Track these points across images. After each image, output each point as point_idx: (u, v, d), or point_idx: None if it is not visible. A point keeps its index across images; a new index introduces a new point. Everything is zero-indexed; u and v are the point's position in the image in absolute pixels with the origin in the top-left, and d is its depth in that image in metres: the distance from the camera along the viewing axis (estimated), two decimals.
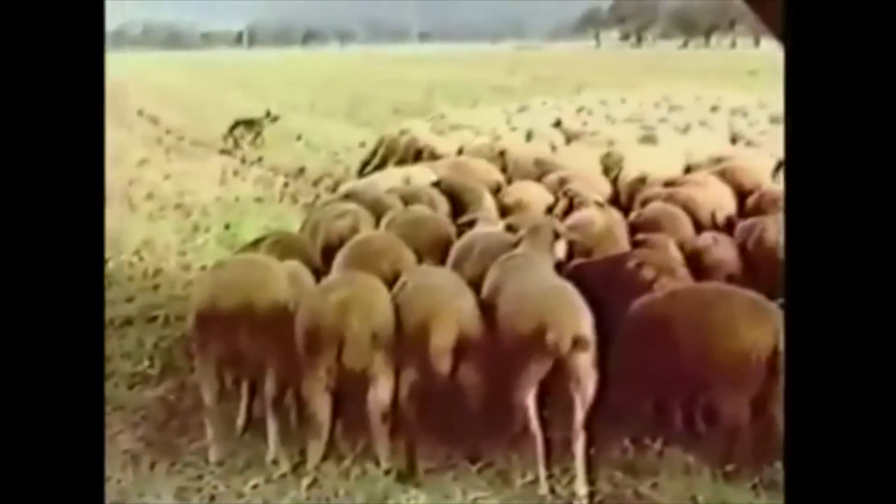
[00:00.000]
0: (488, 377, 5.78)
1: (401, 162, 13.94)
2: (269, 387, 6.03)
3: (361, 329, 5.62)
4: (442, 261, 7.42)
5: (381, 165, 14.85)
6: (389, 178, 11.14)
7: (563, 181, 10.13)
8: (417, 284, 6.09)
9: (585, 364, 5.54)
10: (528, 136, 15.02)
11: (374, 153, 15.95)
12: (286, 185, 16.07)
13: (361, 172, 15.39)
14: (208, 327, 5.95)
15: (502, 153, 12.52)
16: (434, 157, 13.38)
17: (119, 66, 26.07)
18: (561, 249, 7.04)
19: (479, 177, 10.86)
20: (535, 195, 9.88)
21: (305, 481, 5.80)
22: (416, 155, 14.00)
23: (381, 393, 5.75)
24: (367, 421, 5.85)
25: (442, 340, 5.65)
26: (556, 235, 7.00)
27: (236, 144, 19.78)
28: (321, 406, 5.79)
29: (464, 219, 8.42)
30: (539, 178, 10.79)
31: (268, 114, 20.20)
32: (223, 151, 19.61)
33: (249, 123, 20.43)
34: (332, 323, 5.62)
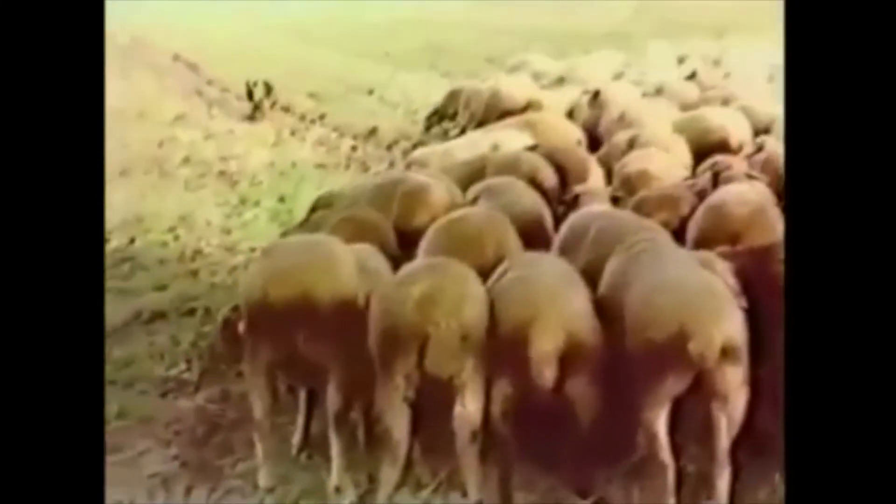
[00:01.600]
0: (606, 392, 5.70)
1: (482, 123, 13.90)
2: (333, 397, 6.00)
3: (449, 328, 5.58)
4: (540, 247, 7.28)
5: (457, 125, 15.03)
6: (473, 144, 11.09)
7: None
8: (519, 276, 6.00)
9: (735, 379, 5.41)
10: (658, 91, 14.81)
11: (442, 109, 16.02)
12: (354, 148, 16.10)
13: (427, 132, 15.58)
14: (259, 324, 5.98)
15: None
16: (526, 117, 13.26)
17: (152, 4, 26.34)
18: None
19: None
20: (663, 165, 9.73)
21: None
22: (502, 115, 13.90)
23: (470, 407, 5.71)
24: (453, 441, 5.79)
25: (545, 346, 5.56)
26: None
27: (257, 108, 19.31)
28: (398, 421, 5.75)
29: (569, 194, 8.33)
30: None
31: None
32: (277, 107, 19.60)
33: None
34: (413, 320, 5.59)
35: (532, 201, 8.08)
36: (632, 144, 10.80)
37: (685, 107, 13.18)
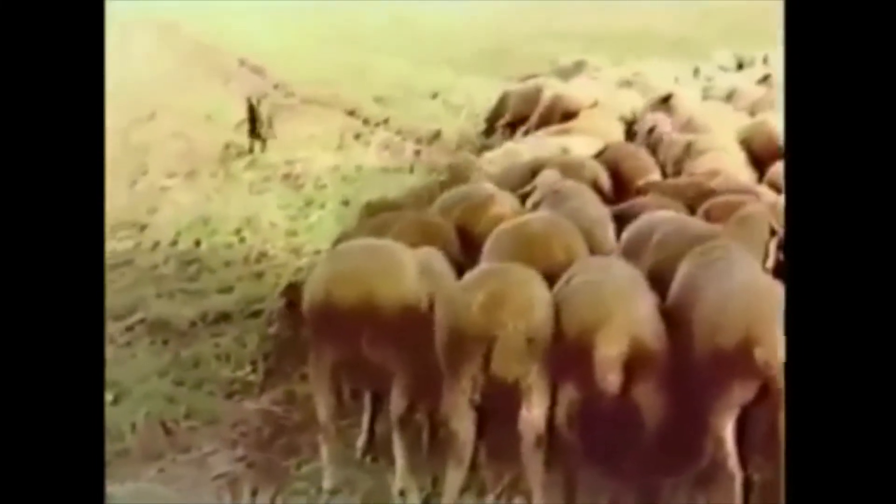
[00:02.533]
0: (673, 398, 5.61)
1: (542, 125, 13.84)
2: (396, 400, 5.99)
3: (515, 330, 5.52)
4: (603, 252, 7.17)
5: (513, 126, 15.04)
6: (542, 146, 11.04)
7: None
8: (585, 280, 5.93)
9: None
10: (729, 96, 14.68)
11: (495, 112, 16.06)
12: (418, 152, 16.11)
13: (488, 134, 15.58)
14: (323, 327, 5.97)
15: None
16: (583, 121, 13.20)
17: (217, 7, 26.49)
18: (773, 249, 6.72)
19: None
20: (733, 169, 9.62)
21: None
22: (564, 117, 13.83)
23: (535, 411, 5.65)
24: (518, 446, 5.74)
25: (610, 351, 5.48)
26: (773, 232, 6.67)
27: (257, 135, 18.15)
28: (464, 424, 5.70)
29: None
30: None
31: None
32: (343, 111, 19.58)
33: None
34: (479, 322, 5.54)
35: (596, 206, 7.99)
36: (695, 149, 10.71)
37: (752, 112, 13.04)
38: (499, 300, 5.59)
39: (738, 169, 9.72)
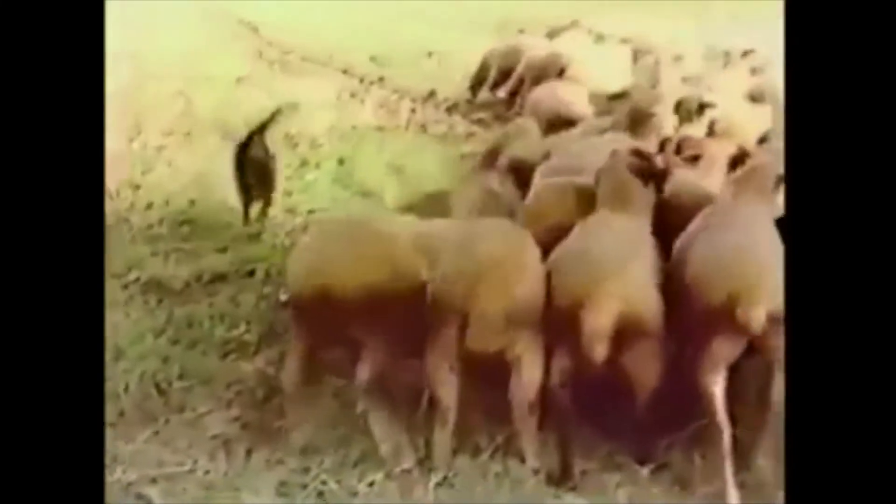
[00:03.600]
0: (666, 362, 5.64)
1: (538, 81, 13.69)
2: (362, 369, 5.97)
3: (493, 303, 5.52)
4: None
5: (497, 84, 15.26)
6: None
7: None
8: (577, 247, 5.94)
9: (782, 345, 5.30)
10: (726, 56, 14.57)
11: (480, 73, 16.02)
12: (413, 111, 16.04)
13: (474, 93, 15.72)
14: (304, 315, 6.12)
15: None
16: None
17: None
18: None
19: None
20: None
21: (434, 479, 5.73)
22: (561, 72, 13.65)
23: (525, 380, 5.69)
24: (510, 411, 5.78)
25: (598, 324, 5.47)
26: (780, 180, 6.42)
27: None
28: (445, 390, 5.73)
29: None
30: None
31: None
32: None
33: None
34: (454, 295, 5.56)
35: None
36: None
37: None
38: (475, 275, 5.57)
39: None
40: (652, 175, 6.64)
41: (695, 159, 7.38)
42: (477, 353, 5.63)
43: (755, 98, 11.05)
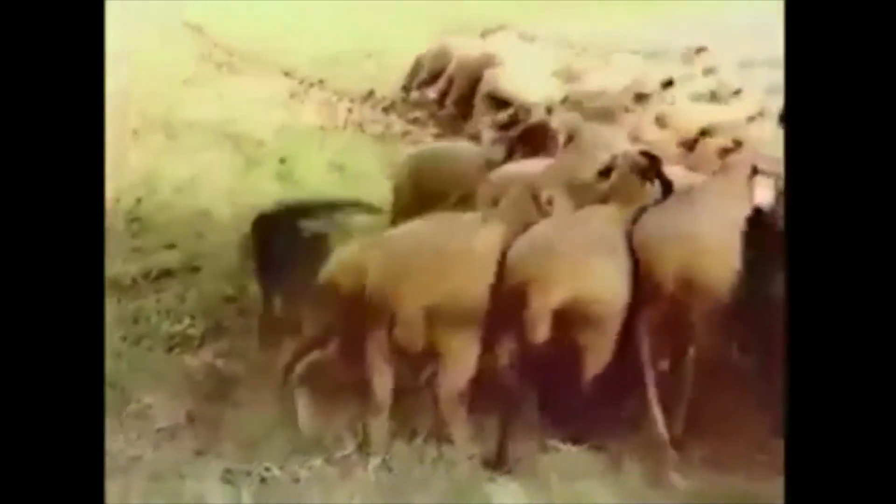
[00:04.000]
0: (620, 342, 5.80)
1: (469, 81, 13.90)
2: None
3: (415, 303, 5.67)
4: None
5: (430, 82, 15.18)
6: None
7: None
8: (538, 233, 5.98)
9: None
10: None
11: (413, 74, 16.05)
12: (350, 111, 16.08)
13: (408, 92, 15.70)
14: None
15: None
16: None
17: None
18: (764, 191, 6.30)
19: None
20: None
21: (373, 463, 5.84)
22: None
23: (455, 371, 5.80)
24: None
25: (541, 303, 5.59)
26: (756, 171, 6.31)
27: None
28: (379, 378, 5.84)
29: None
30: None
31: None
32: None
33: None
34: (380, 296, 5.71)
35: None
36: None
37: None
38: (401, 276, 5.74)
39: None
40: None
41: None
42: (407, 350, 5.78)
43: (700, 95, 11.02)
